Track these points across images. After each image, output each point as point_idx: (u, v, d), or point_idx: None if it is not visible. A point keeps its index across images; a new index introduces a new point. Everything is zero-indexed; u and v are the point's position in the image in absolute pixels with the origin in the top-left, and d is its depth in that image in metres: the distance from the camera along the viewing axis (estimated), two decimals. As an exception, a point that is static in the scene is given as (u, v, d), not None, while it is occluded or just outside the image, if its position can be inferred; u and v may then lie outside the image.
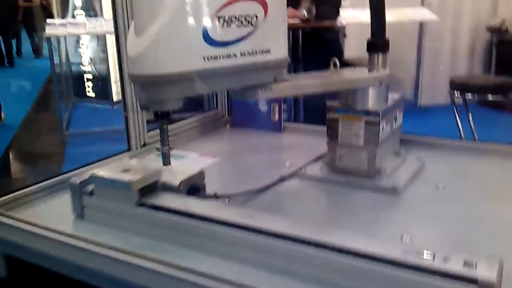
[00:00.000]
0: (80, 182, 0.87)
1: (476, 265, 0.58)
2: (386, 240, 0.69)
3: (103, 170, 0.85)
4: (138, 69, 0.73)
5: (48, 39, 4.25)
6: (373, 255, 0.62)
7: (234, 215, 0.75)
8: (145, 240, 0.79)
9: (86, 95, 5.16)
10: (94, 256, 0.76)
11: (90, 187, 0.86)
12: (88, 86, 5.18)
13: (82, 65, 5.17)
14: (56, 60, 4.82)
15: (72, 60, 5.33)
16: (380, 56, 1.01)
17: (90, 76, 5.18)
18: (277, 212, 0.91)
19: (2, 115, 5.04)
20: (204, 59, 0.73)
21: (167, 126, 0.82)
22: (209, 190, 0.90)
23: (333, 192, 1.00)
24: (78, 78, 5.19)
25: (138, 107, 1.16)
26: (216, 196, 0.90)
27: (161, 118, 0.80)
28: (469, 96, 2.90)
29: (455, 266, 0.59)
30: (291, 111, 3.01)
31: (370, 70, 1.01)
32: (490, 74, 4.74)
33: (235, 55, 0.77)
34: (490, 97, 2.83)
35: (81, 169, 0.99)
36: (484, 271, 0.57)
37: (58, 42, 4.95)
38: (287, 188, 1.02)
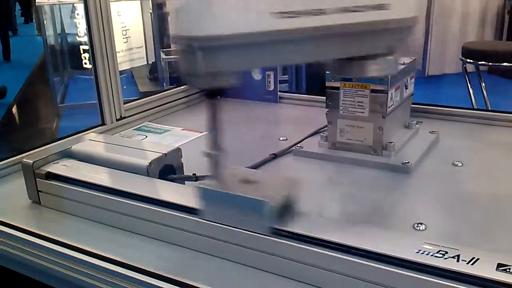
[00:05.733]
0: (34, 163, 0.74)
1: (513, 270, 0.47)
2: (395, 233, 0.58)
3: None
4: (185, 29, 0.51)
5: (39, 9, 4.09)
6: (378, 253, 0.52)
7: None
8: (107, 231, 0.68)
9: (83, 66, 5.02)
10: (49, 255, 0.65)
11: (45, 169, 0.74)
12: (85, 58, 5.03)
13: (78, 35, 5.02)
14: (51, 32, 4.68)
15: (68, 31, 5.18)
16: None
17: (87, 47, 5.02)
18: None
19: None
20: (275, 16, 0.52)
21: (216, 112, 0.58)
22: (191, 170, 0.79)
23: (333, 171, 0.89)
24: (74, 49, 5.05)
25: (112, 76, 1.03)
26: (195, 178, 0.77)
27: (210, 98, 0.57)
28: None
29: (486, 269, 0.48)
30: (292, 81, 2.87)
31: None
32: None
33: (324, 12, 0.54)
34: (505, 64, 2.67)
35: (38, 149, 0.87)
36: None
37: (52, 12, 4.79)
38: (280, 166, 0.91)
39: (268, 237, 0.56)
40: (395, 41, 0.61)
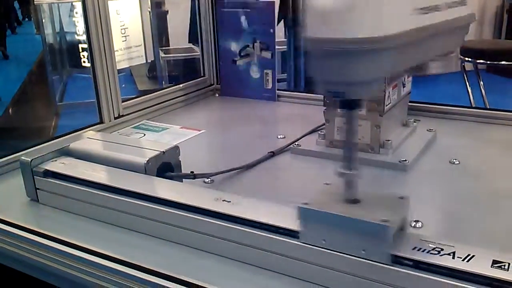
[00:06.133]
0: (32, 161, 0.74)
1: (509, 266, 0.48)
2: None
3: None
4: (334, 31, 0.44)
5: (38, 8, 4.09)
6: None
7: (205, 200, 0.63)
8: (105, 229, 0.68)
9: (82, 65, 5.01)
10: (47, 253, 0.65)
11: (43, 167, 0.74)
12: (84, 56, 5.03)
13: (77, 34, 5.02)
14: (50, 30, 4.68)
15: (67, 30, 5.17)
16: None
17: (85, 46, 5.01)
18: (265, 194, 0.79)
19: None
20: (419, 12, 0.48)
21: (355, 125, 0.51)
22: (189, 168, 0.79)
23: (331, 169, 0.87)
24: (73, 48, 5.04)
25: (110, 74, 1.03)
26: (193, 176, 0.77)
27: (350, 109, 0.50)
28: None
29: (482, 266, 0.48)
30: (291, 79, 2.87)
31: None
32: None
33: (438, 8, 0.51)
34: (504, 63, 2.67)
35: (37, 147, 0.87)
36: None
37: (51, 10, 4.78)
38: (278, 164, 0.92)
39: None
40: (461, 38, 0.61)
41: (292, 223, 0.56)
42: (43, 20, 4.58)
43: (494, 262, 0.48)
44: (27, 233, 0.67)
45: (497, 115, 1.08)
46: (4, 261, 0.72)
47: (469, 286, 0.47)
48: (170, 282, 0.56)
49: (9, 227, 0.69)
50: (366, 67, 0.45)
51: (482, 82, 2.82)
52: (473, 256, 0.49)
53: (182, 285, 0.55)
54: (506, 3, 4.86)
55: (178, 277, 0.56)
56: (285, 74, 2.99)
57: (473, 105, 2.68)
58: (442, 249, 0.51)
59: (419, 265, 0.49)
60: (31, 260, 0.66)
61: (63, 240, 0.64)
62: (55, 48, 4.95)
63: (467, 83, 2.84)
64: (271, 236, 0.56)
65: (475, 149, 0.96)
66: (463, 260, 0.49)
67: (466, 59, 2.76)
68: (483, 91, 2.82)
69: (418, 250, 0.51)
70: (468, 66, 2.90)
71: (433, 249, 0.51)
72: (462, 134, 1.04)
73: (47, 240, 0.65)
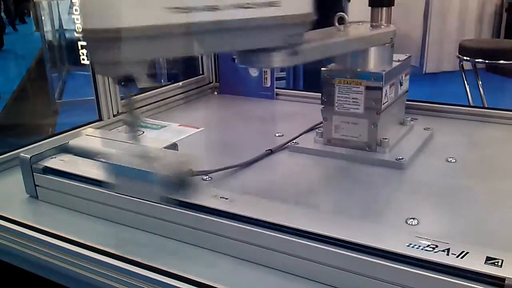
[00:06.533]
0: (31, 158, 0.75)
1: (502, 263, 0.48)
2: (387, 227, 0.59)
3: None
4: (89, 23, 0.55)
5: (37, 5, 4.09)
6: (369, 246, 0.52)
7: (203, 197, 0.64)
8: (104, 225, 0.69)
9: (81, 62, 5.01)
10: (46, 249, 0.65)
11: (42, 164, 0.75)
12: (83, 54, 5.03)
13: (76, 31, 5.02)
14: (49, 28, 4.69)
15: (66, 27, 5.18)
16: (384, 10, 0.91)
17: (84, 43, 5.02)
18: (262, 192, 0.79)
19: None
20: (173, 11, 0.55)
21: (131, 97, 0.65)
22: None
23: (328, 166, 0.89)
24: (73, 45, 5.05)
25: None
26: (191, 173, 0.78)
27: (124, 86, 0.63)
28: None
29: (475, 263, 0.49)
30: (289, 78, 2.87)
31: (373, 26, 0.88)
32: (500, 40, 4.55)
33: (219, 8, 0.57)
34: (502, 62, 2.68)
35: (36, 144, 0.87)
36: None
37: (50, 8, 4.78)
38: (275, 162, 0.92)
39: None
40: (291, 35, 0.63)
41: (290, 221, 0.57)
42: (43, 18, 4.58)
43: (488, 258, 0.49)
44: (26, 230, 0.67)
45: (494, 114, 1.08)
46: (3, 258, 0.72)
47: (462, 282, 0.48)
48: (167, 278, 0.56)
49: (8, 223, 0.69)
50: (123, 52, 0.53)
51: (480, 82, 2.83)
52: (467, 253, 0.50)
53: (178, 280, 0.56)
54: (505, 2, 4.87)
55: (176, 272, 0.57)
56: (284, 73, 2.99)
57: (471, 104, 2.70)
58: (436, 246, 0.51)
59: (413, 262, 0.50)
60: (30, 256, 0.66)
61: (62, 237, 0.65)
62: (54, 46, 4.95)
63: (465, 82, 2.86)
64: (268, 233, 0.57)
65: (472, 148, 0.97)
66: (457, 256, 0.50)
67: (465, 58, 2.77)
68: (481, 90, 2.83)
69: (413, 246, 0.51)
70: (467, 66, 2.91)
71: (428, 246, 0.51)
72: (459, 133, 1.04)
73: (46, 237, 0.65)
